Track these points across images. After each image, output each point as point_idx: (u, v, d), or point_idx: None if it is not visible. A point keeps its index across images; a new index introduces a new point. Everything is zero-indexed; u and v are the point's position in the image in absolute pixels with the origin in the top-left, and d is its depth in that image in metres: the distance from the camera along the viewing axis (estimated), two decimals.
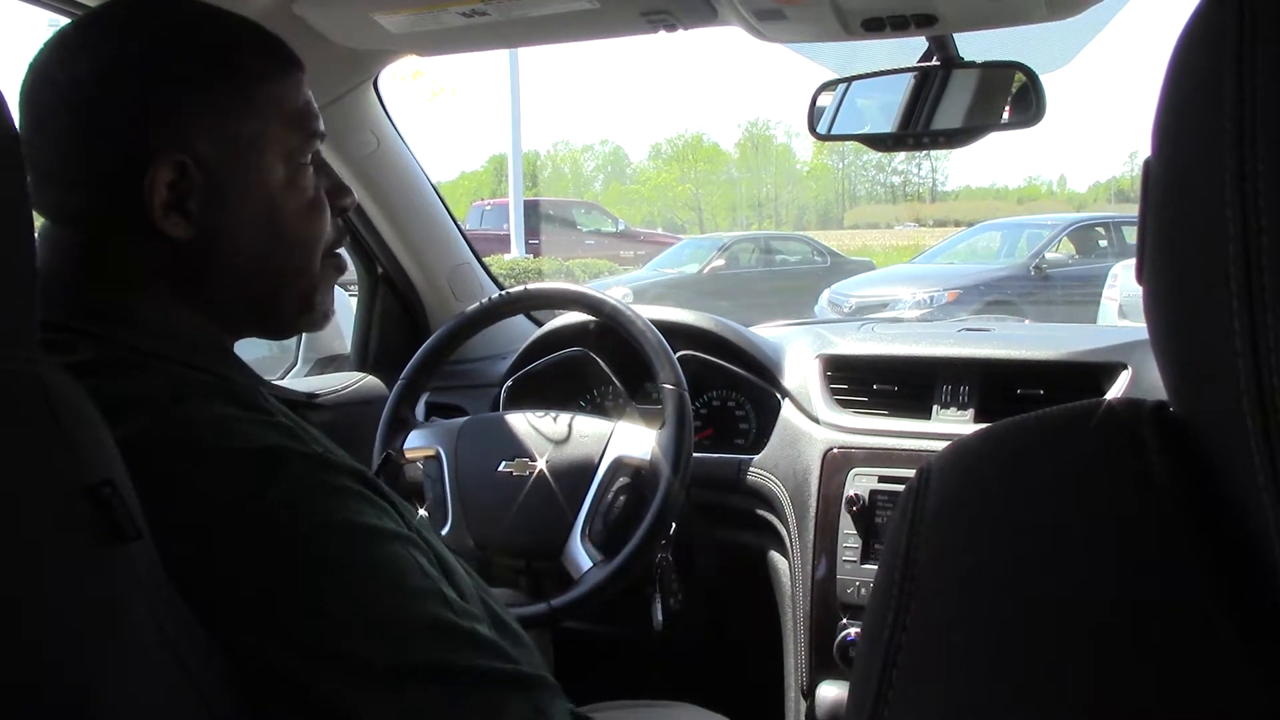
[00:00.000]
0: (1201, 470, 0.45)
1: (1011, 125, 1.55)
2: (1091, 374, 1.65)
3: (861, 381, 1.78)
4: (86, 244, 0.86)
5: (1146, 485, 0.46)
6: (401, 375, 1.79)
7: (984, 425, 0.53)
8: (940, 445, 1.63)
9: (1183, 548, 0.44)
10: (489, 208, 18.87)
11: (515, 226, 15.49)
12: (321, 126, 0.94)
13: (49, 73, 0.85)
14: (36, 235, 0.87)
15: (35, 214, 0.87)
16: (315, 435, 0.84)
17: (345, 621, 0.74)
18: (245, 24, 0.92)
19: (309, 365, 2.27)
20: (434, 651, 0.76)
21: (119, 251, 0.86)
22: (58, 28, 0.90)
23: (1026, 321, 2.87)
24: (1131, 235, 11.66)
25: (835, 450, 1.70)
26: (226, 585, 0.73)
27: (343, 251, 1.00)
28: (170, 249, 0.86)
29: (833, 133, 1.70)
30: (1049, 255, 11.30)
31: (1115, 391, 1.60)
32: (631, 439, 1.62)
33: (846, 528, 1.64)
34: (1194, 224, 0.43)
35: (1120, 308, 8.58)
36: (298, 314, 0.96)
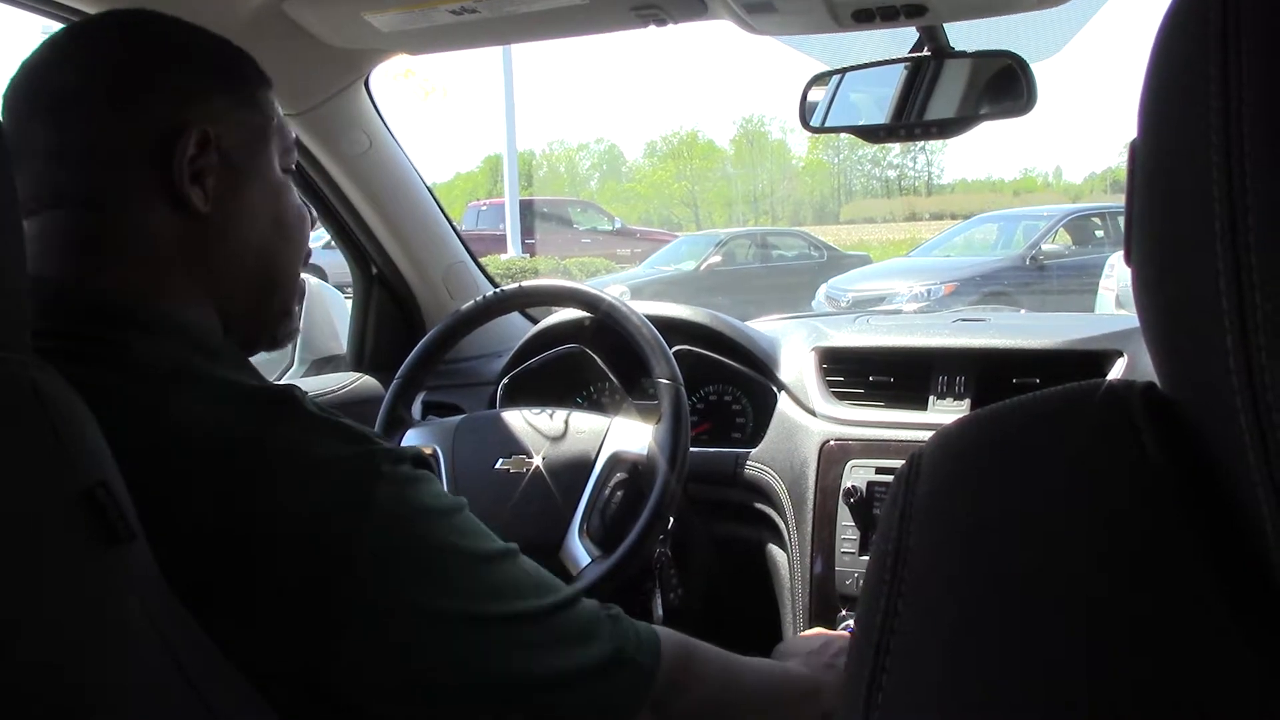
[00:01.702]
0: (1192, 450, 0.45)
1: (1004, 114, 1.55)
2: (1087, 362, 1.65)
3: (857, 373, 1.78)
4: (96, 223, 0.86)
5: (1137, 466, 0.46)
6: (397, 374, 1.79)
7: (973, 411, 0.53)
8: None
9: (1175, 527, 0.44)
10: (485, 208, 18.88)
11: (511, 226, 15.50)
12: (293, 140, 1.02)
13: (72, 56, 0.89)
14: (34, 232, 0.87)
15: (42, 204, 0.87)
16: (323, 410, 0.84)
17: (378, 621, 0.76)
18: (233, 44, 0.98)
19: (305, 366, 2.26)
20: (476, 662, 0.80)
21: (132, 227, 0.86)
22: (51, 32, 0.92)
23: (1022, 311, 2.87)
24: None
25: (832, 442, 1.70)
26: (240, 586, 0.73)
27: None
28: (184, 228, 0.88)
29: (825, 125, 1.70)
30: (1045, 246, 11.31)
31: (1111, 379, 1.60)
32: (628, 434, 1.62)
33: (844, 520, 1.64)
34: (1181, 204, 0.43)
35: (1117, 297, 8.60)
36: (277, 320, 1.00)
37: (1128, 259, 0.50)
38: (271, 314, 0.98)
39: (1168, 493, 0.45)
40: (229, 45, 0.96)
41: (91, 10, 1.42)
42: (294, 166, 1.00)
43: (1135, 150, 0.48)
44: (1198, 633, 0.41)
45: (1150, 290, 0.47)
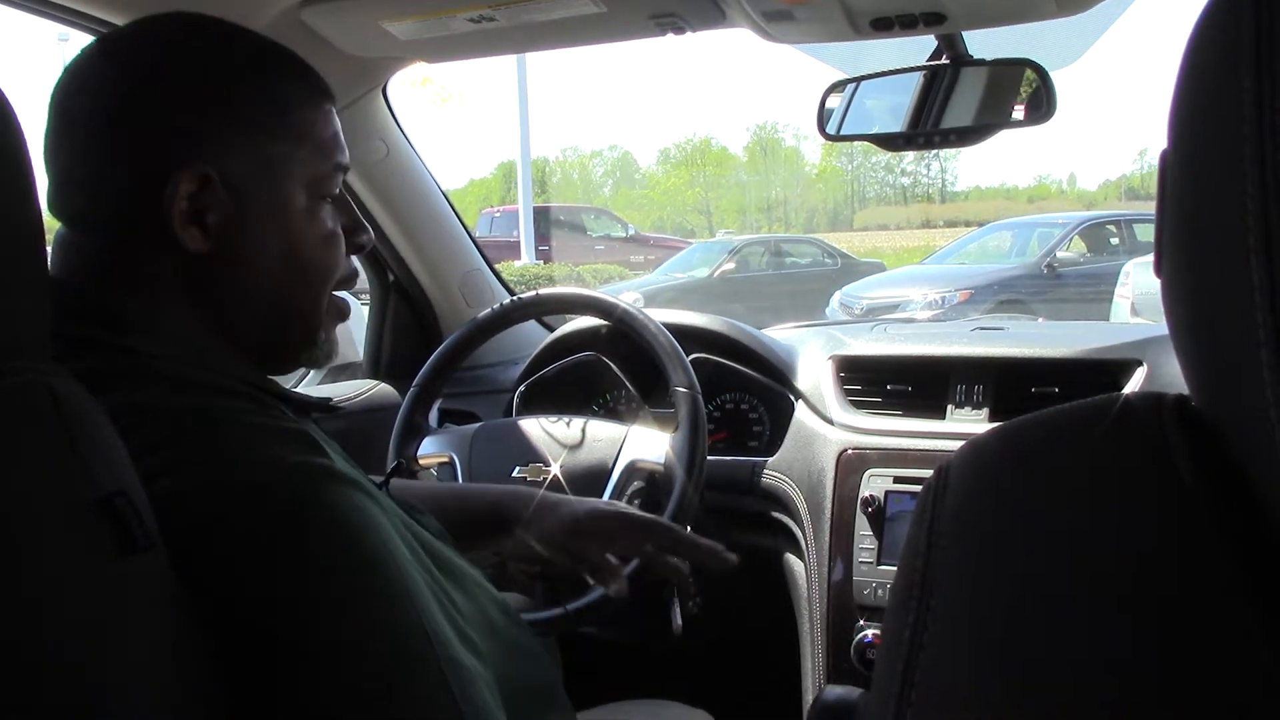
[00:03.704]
0: (1225, 465, 0.45)
1: (1023, 123, 1.55)
2: (1107, 371, 1.64)
3: (875, 382, 1.77)
4: (105, 250, 0.87)
5: (1168, 480, 0.45)
6: (414, 382, 1.79)
7: (1001, 423, 0.53)
8: (956, 445, 1.62)
9: (1207, 544, 0.43)
10: (498, 214, 18.90)
11: (525, 233, 15.52)
12: (347, 160, 0.95)
13: (84, 80, 0.87)
14: (50, 242, 0.88)
15: (53, 219, 0.88)
16: (327, 444, 0.84)
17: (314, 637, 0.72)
18: (282, 50, 0.93)
19: (322, 373, 2.27)
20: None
21: (135, 259, 0.86)
22: (67, 40, 0.92)
23: (1040, 320, 2.85)
24: (1143, 233, 11.54)
25: (850, 451, 1.69)
26: (227, 587, 0.72)
27: (344, 295, 1.00)
28: (186, 263, 0.86)
29: (842, 133, 1.70)
30: (1060, 254, 11.25)
31: (1130, 388, 1.59)
32: (645, 443, 1.62)
33: (862, 529, 1.64)
34: (1213, 216, 0.42)
35: (1133, 305, 8.56)
36: (300, 346, 0.95)
37: (1157, 270, 0.50)
38: (288, 345, 0.95)
39: (1198, 506, 0.44)
40: (265, 60, 0.91)
41: (114, 17, 1.43)
42: (337, 191, 0.95)
43: (1165, 161, 0.48)
44: (1228, 647, 0.41)
45: (1181, 303, 0.47)
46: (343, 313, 0.99)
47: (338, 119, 0.95)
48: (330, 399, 1.02)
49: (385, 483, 1.02)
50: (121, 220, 0.86)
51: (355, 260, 1.00)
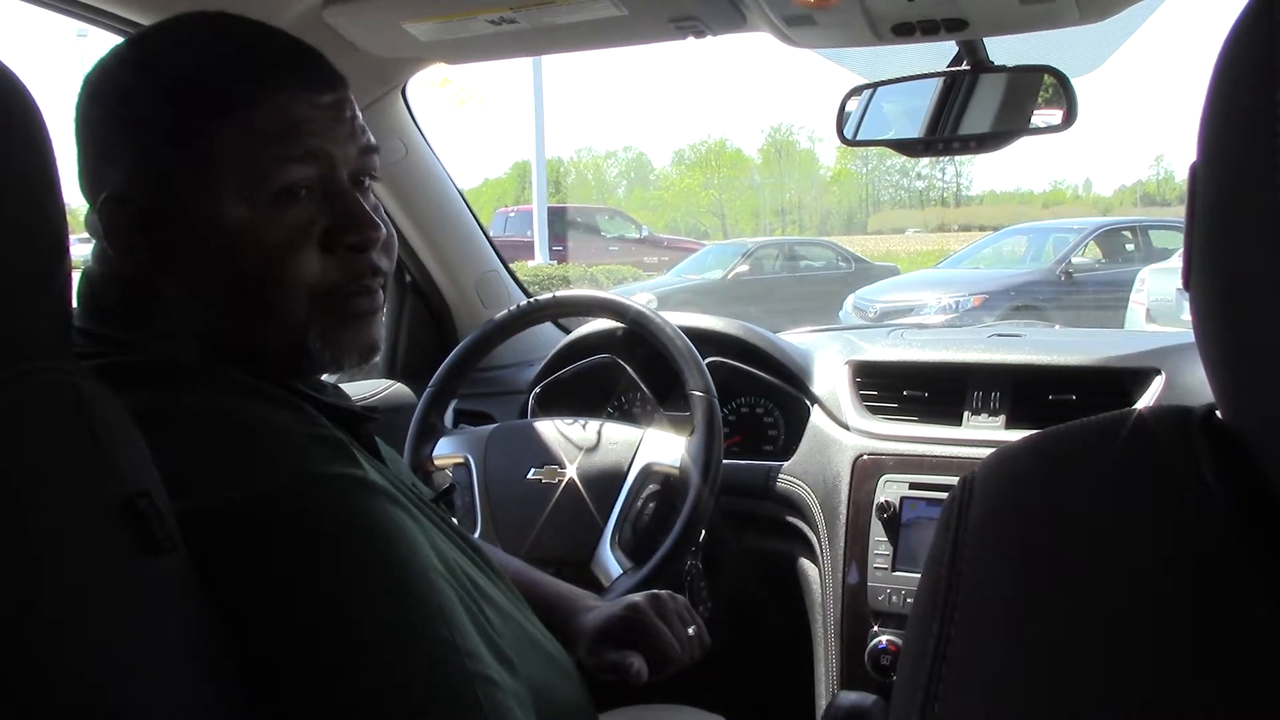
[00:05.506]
0: (1254, 479, 0.44)
1: (1043, 130, 1.54)
2: (1124, 380, 1.63)
3: (892, 388, 1.77)
4: (107, 259, 0.88)
5: (1197, 494, 0.45)
6: (430, 382, 1.79)
7: (1018, 432, 0.53)
8: (972, 452, 1.60)
9: (1237, 557, 0.43)
10: (513, 214, 18.89)
11: (539, 233, 15.51)
12: (305, 149, 0.84)
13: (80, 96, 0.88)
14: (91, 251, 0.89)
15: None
16: (362, 454, 0.84)
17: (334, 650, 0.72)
18: (223, 48, 0.87)
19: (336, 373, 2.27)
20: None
21: (116, 273, 0.87)
22: (85, 36, 0.92)
23: (1057, 327, 2.84)
24: (1158, 239, 11.44)
25: (865, 457, 1.69)
26: (253, 593, 0.72)
27: (355, 299, 0.89)
28: (150, 278, 0.86)
29: (860, 138, 1.69)
30: (1075, 259, 11.20)
31: (1148, 397, 1.59)
32: (661, 446, 1.62)
33: (877, 535, 1.64)
34: (1245, 230, 0.42)
35: (1148, 311, 8.53)
36: (289, 358, 0.88)
37: (1186, 284, 0.49)
38: (274, 356, 0.87)
39: (1228, 520, 0.44)
40: (193, 67, 0.84)
41: (138, 17, 1.44)
42: (301, 188, 0.85)
43: (1195, 174, 0.47)
44: (1259, 659, 0.41)
45: (1212, 319, 0.47)
46: (351, 314, 0.89)
47: (314, 102, 0.86)
48: (368, 406, 1.00)
49: (439, 499, 1.02)
50: (96, 230, 0.87)
51: (360, 259, 0.89)
